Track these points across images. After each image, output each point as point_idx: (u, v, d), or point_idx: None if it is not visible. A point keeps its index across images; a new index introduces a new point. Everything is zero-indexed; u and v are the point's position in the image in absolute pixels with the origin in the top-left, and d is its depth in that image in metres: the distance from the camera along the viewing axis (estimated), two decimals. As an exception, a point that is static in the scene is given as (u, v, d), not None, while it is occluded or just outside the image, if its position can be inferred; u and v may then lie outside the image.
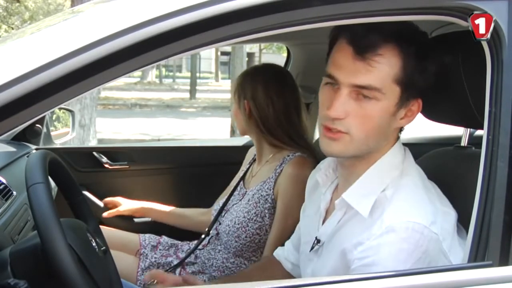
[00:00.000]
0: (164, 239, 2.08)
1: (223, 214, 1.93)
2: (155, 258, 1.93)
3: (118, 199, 2.28)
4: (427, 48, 1.11)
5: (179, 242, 2.07)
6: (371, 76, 1.07)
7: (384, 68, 1.07)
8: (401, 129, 1.18)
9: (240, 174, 2.07)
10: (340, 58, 1.10)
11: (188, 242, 2.06)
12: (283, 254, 1.52)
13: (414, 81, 1.09)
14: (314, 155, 1.83)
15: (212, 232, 1.93)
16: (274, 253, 1.55)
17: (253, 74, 1.92)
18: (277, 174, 1.82)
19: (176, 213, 2.22)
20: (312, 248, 1.24)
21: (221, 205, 1.97)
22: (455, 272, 0.96)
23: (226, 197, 1.98)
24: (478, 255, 0.97)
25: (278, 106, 1.85)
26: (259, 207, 1.81)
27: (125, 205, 2.24)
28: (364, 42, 1.07)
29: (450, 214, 1.12)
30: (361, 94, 1.08)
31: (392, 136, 1.16)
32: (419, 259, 1.03)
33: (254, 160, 2.04)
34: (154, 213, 2.22)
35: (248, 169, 2.03)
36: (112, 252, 1.87)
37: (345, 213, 1.17)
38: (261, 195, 1.82)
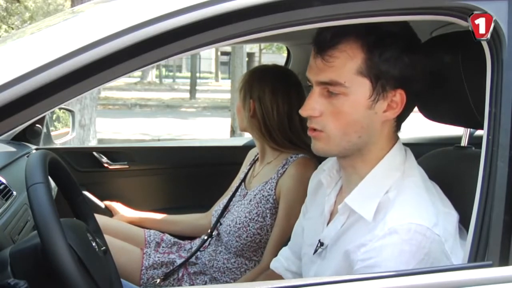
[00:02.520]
0: (167, 236, 2.09)
1: (224, 214, 1.93)
2: (158, 257, 1.93)
3: (115, 205, 2.28)
4: (392, 37, 1.09)
5: (181, 241, 2.08)
6: (330, 72, 1.09)
7: (342, 62, 1.08)
8: (398, 127, 1.17)
9: (240, 175, 2.07)
10: (310, 59, 1.14)
11: (190, 241, 2.06)
12: (283, 265, 1.49)
13: (383, 71, 1.08)
14: (316, 156, 1.82)
15: (213, 233, 1.94)
16: (272, 267, 1.52)
17: (262, 74, 1.92)
18: (279, 175, 1.82)
19: (172, 220, 2.23)
20: (316, 251, 1.23)
21: (221, 206, 1.97)
22: (455, 272, 0.96)
23: (227, 198, 1.98)
24: (478, 255, 0.97)
25: (282, 111, 1.85)
26: (260, 207, 1.81)
27: (120, 214, 2.24)
28: (319, 39, 1.10)
29: (452, 215, 1.12)
30: (329, 91, 1.10)
31: (383, 133, 1.14)
32: (421, 261, 1.03)
33: (254, 161, 2.04)
34: (150, 222, 2.21)
35: (249, 170, 2.02)
36: (119, 243, 1.89)
37: (348, 217, 1.16)
38: (263, 196, 1.82)
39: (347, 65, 1.08)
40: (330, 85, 1.09)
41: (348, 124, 1.10)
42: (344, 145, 1.13)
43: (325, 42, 1.09)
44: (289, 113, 1.86)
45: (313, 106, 1.11)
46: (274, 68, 1.99)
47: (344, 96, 1.09)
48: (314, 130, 1.13)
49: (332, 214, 1.24)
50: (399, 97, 1.11)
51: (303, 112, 1.13)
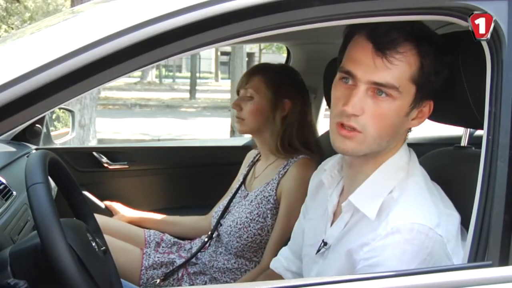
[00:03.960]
0: (167, 236, 2.09)
1: (224, 215, 1.93)
2: (158, 257, 1.93)
3: (115, 205, 2.28)
4: (444, 50, 1.11)
5: (181, 241, 2.08)
6: (390, 74, 1.06)
7: (403, 66, 1.07)
8: (409, 130, 1.18)
9: (239, 177, 2.06)
10: (359, 54, 1.09)
11: (190, 241, 2.06)
12: (283, 265, 1.49)
13: (429, 82, 1.09)
14: (316, 157, 1.83)
15: (214, 234, 1.93)
16: (272, 267, 1.52)
17: (291, 75, 1.93)
18: (280, 176, 1.82)
19: (173, 221, 2.22)
20: (319, 250, 1.23)
21: (221, 207, 1.97)
22: (455, 272, 0.96)
23: (228, 199, 1.98)
24: (478, 255, 0.97)
25: (302, 112, 1.88)
26: (261, 207, 1.81)
27: (120, 214, 2.24)
28: (385, 39, 1.06)
29: (454, 217, 1.12)
30: (378, 92, 1.07)
31: (402, 137, 1.16)
32: (423, 261, 1.03)
33: (253, 163, 2.03)
34: (150, 222, 2.21)
35: (248, 171, 2.02)
36: (119, 243, 1.89)
37: (352, 216, 1.16)
38: (264, 196, 1.82)
39: (404, 70, 1.07)
40: (384, 87, 1.06)
41: (386, 127, 1.09)
42: (374, 148, 1.11)
43: (390, 42, 1.06)
44: (304, 115, 1.89)
45: (359, 105, 1.07)
46: (294, 69, 2.00)
47: (392, 100, 1.07)
48: (352, 129, 1.08)
49: (335, 214, 1.23)
50: (427, 108, 1.13)
51: (350, 109, 1.06)
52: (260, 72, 1.90)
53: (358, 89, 1.07)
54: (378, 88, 1.07)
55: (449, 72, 1.12)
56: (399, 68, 1.06)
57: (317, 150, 1.88)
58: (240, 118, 1.89)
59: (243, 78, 1.92)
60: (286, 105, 1.85)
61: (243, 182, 1.99)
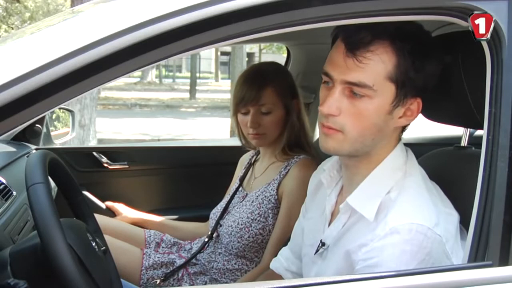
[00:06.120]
0: (167, 236, 2.09)
1: (224, 216, 1.93)
2: (158, 257, 1.93)
3: (118, 206, 2.28)
4: (426, 47, 1.10)
5: (181, 241, 2.08)
6: (361, 73, 1.06)
7: (375, 65, 1.06)
8: (403, 129, 1.18)
9: (236, 179, 2.06)
10: (334, 55, 1.11)
11: (190, 241, 2.06)
12: (282, 265, 1.49)
13: (410, 79, 1.08)
14: (316, 157, 1.83)
15: (213, 235, 1.93)
16: (273, 267, 1.52)
17: (287, 73, 1.95)
18: (281, 176, 1.82)
19: (173, 226, 2.22)
20: (317, 251, 1.23)
21: (219, 209, 1.96)
22: (455, 272, 0.96)
23: (226, 200, 1.98)
24: (478, 255, 0.97)
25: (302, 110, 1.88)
26: (262, 207, 1.81)
27: (123, 215, 2.24)
28: (354, 38, 1.06)
29: (452, 216, 1.12)
30: (354, 92, 1.08)
31: (392, 136, 1.15)
32: (422, 261, 1.03)
33: (250, 164, 2.03)
34: (152, 224, 2.21)
35: (245, 173, 2.02)
36: (119, 243, 1.89)
37: (350, 216, 1.16)
38: (265, 196, 1.82)
39: (378, 69, 1.06)
40: (357, 86, 1.07)
41: (366, 127, 1.09)
42: (357, 147, 1.11)
43: (359, 42, 1.06)
44: (304, 115, 1.90)
45: (335, 105, 1.08)
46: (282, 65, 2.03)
47: (369, 99, 1.07)
48: (330, 128, 1.10)
49: (333, 214, 1.24)
50: (416, 105, 1.12)
51: (325, 109, 1.08)
52: (268, 83, 1.81)
53: (334, 89, 1.09)
54: (353, 88, 1.07)
55: (436, 69, 1.11)
56: (371, 67, 1.06)
57: (309, 148, 1.89)
58: (259, 134, 1.82)
59: (249, 95, 1.79)
60: (296, 105, 1.86)
61: (241, 183, 1.99)
